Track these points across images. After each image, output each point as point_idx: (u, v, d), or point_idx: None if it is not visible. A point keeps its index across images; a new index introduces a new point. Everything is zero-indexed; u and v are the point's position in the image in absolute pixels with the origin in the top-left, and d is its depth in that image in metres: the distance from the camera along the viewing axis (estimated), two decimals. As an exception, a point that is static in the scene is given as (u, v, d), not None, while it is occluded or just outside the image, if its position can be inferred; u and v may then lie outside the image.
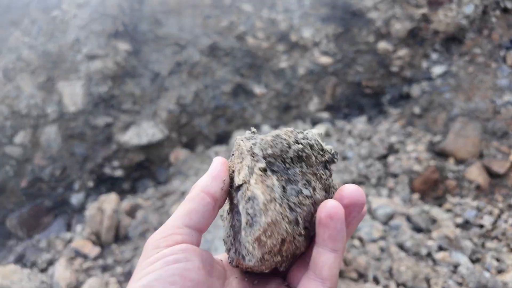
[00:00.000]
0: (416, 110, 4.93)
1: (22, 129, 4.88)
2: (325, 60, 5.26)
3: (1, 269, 2.81)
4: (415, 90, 5.15)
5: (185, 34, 5.34)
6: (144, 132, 4.84)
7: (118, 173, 4.94)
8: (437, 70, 5.22)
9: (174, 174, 4.75)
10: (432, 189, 3.75)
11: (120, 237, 3.61)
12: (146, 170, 5.17)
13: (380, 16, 5.01)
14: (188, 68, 5.18)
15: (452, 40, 5.31)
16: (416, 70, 5.27)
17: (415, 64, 5.26)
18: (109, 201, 3.62)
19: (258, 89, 5.37)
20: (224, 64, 5.38)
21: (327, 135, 4.59)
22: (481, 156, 4.14)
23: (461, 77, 5.06)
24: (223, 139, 5.50)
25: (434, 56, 5.29)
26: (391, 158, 4.17)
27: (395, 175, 3.98)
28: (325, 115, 5.21)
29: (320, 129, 4.58)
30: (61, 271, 2.83)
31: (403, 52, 5.18)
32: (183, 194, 3.96)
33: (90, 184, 4.96)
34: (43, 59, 4.81)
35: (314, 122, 5.21)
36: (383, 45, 5.15)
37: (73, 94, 4.79)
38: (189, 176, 4.58)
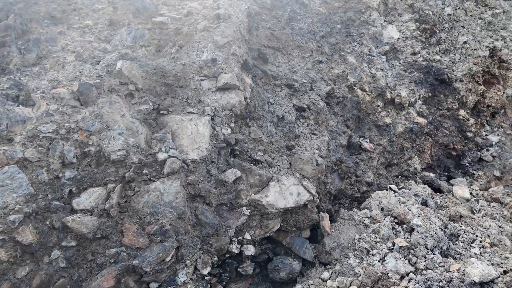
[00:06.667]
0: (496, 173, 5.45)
1: None
2: (421, 120, 5.35)
3: None
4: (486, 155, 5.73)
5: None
6: None
7: None
8: (493, 138, 6.01)
9: None
10: None
11: None
12: None
13: (463, 87, 5.56)
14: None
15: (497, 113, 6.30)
16: (481, 138, 5.93)
17: (479, 132, 5.93)
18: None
19: (366, 144, 4.94)
20: (335, 113, 4.81)
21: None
22: None
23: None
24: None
25: (488, 126, 6.12)
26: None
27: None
28: (431, 174, 5.15)
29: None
30: None
31: (472, 121, 5.79)
32: None
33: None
34: None
35: (427, 182, 5.06)
36: (462, 112, 5.65)
37: None
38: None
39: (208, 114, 3.41)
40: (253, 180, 3.55)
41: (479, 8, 6.08)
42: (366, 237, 3.68)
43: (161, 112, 3.28)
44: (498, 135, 6.08)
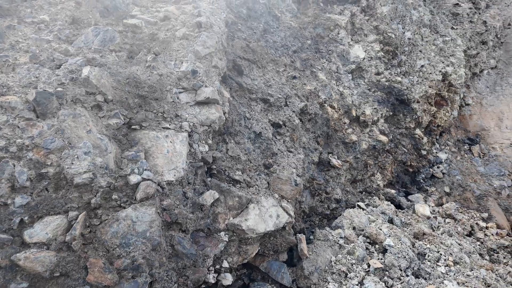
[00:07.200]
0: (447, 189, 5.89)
1: None
2: (383, 138, 5.57)
3: None
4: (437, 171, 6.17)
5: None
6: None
7: None
8: (442, 155, 6.51)
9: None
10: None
11: None
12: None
13: (420, 107, 5.93)
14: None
15: (444, 132, 6.84)
16: (432, 155, 6.38)
17: (431, 150, 6.37)
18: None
19: (335, 160, 4.99)
20: (307, 130, 4.78)
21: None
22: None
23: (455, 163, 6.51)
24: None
25: (437, 144, 6.61)
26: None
27: None
28: (393, 190, 5.37)
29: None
30: None
31: (425, 139, 6.21)
32: None
33: None
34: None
35: (390, 200, 5.25)
36: (418, 131, 6.02)
37: None
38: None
39: (186, 130, 3.11)
40: (232, 203, 3.32)
41: (433, 35, 6.57)
42: (342, 258, 3.66)
43: (132, 127, 2.90)
44: (445, 152, 6.61)
